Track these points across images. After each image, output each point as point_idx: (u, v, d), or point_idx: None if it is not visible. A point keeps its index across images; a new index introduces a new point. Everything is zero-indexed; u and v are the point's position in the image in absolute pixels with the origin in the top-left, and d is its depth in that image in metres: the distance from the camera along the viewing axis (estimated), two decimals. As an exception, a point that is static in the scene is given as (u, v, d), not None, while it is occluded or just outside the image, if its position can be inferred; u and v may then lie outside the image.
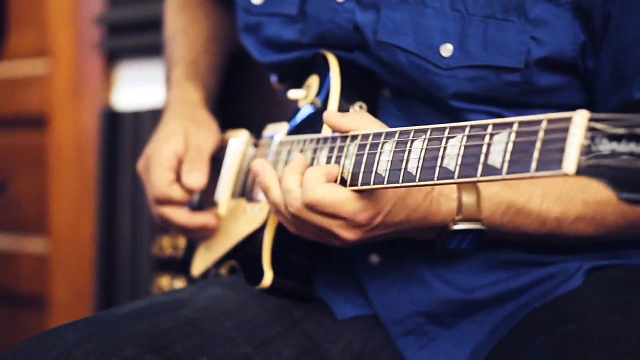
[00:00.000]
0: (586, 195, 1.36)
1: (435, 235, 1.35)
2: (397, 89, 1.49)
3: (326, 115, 1.31)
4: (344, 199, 1.24)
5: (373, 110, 1.49)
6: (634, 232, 1.42)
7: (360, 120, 1.30)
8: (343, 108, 1.46)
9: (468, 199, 1.31)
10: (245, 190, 1.58)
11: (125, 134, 3.02)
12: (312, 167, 1.29)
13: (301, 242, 1.44)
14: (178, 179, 1.60)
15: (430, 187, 1.29)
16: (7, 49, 3.37)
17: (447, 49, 1.39)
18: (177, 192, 1.58)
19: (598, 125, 0.94)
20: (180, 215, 1.59)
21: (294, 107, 1.57)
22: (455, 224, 1.31)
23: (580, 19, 1.36)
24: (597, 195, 1.36)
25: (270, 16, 1.57)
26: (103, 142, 3.06)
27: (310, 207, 1.25)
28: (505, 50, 1.37)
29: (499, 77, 1.38)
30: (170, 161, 1.59)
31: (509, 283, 1.45)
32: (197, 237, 1.68)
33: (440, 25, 1.39)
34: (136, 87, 3.11)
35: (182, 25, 1.84)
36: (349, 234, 1.28)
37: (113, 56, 3.15)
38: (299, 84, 1.57)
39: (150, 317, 1.36)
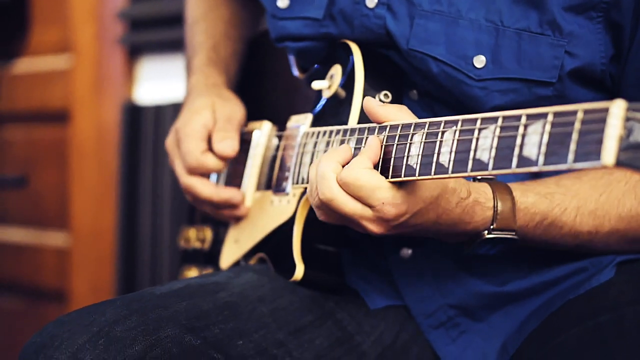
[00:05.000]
0: (620, 209, 1.36)
1: (463, 240, 1.35)
2: (425, 92, 1.48)
3: (366, 101, 1.29)
4: (378, 185, 1.22)
5: (399, 101, 1.47)
6: None
7: (398, 113, 1.28)
8: (368, 96, 1.42)
9: (504, 208, 1.30)
10: (271, 182, 1.58)
11: (147, 128, 3.02)
12: (360, 153, 1.26)
13: (330, 233, 1.45)
14: (209, 150, 1.62)
15: (465, 194, 1.28)
16: (30, 44, 3.41)
17: (480, 61, 1.38)
18: (211, 160, 1.60)
19: (636, 115, 0.94)
20: (207, 188, 1.61)
21: (317, 97, 1.56)
22: (489, 232, 1.31)
23: (611, 32, 1.36)
24: (632, 209, 1.35)
25: (295, 20, 1.57)
26: (124, 136, 3.06)
27: (344, 184, 1.23)
28: (538, 64, 1.36)
29: (531, 91, 1.38)
30: (201, 132, 1.61)
31: (542, 276, 1.45)
32: (222, 218, 1.68)
33: (473, 36, 1.39)
34: (157, 82, 3.12)
35: (203, 11, 1.86)
36: (374, 227, 1.26)
37: (135, 51, 3.15)
38: (322, 73, 1.56)
39: (189, 297, 1.38)
